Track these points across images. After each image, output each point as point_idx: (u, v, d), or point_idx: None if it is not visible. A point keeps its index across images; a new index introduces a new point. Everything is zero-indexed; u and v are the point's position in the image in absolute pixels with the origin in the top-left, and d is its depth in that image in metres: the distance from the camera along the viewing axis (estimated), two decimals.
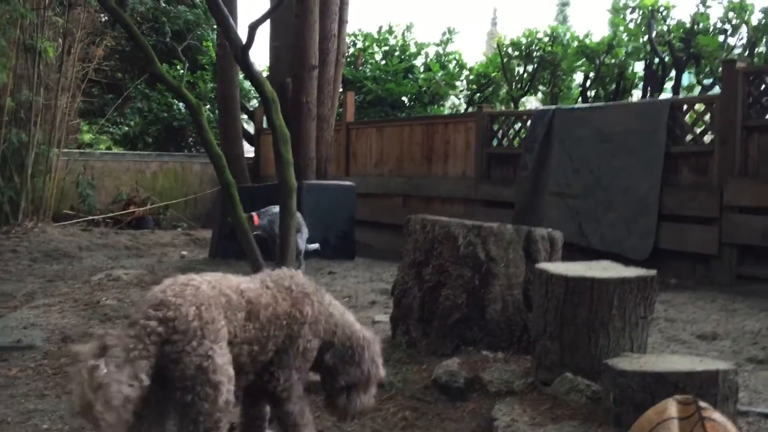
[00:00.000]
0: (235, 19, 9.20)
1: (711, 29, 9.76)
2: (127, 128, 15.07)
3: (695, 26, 9.79)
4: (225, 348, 2.26)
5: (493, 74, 12.88)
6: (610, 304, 2.94)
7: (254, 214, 6.61)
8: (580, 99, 11.26)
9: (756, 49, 9.40)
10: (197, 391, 2.15)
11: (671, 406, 2.30)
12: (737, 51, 9.58)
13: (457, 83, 14.00)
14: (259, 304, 2.45)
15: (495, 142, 9.05)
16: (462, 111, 13.60)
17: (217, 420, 2.20)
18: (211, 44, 14.53)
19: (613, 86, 10.81)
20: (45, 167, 10.34)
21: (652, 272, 3.03)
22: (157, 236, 10.43)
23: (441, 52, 14.62)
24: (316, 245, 7.20)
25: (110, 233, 10.36)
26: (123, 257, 8.48)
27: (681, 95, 9.61)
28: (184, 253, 8.96)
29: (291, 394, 2.54)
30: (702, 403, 2.27)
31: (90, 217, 11.37)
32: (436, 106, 14.09)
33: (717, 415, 2.26)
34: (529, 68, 11.97)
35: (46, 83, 10.30)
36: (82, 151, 12.52)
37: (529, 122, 8.44)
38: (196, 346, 2.16)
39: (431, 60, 14.38)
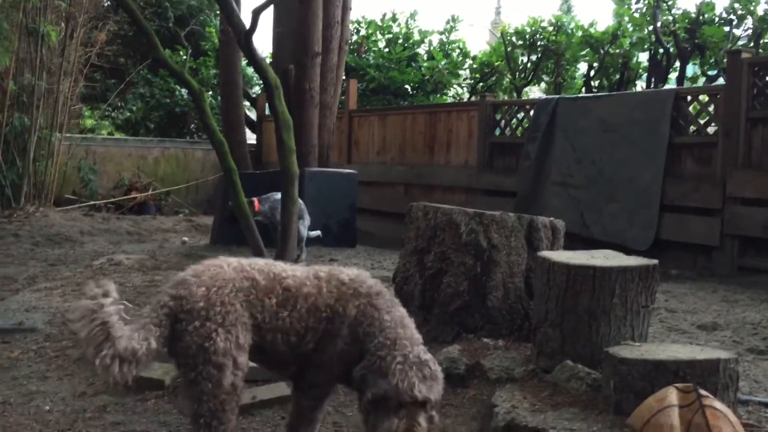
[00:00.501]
0: (238, 4, 9.13)
1: (716, 20, 9.72)
2: (129, 114, 15.04)
3: (701, 17, 9.74)
4: (236, 331, 2.23)
5: (496, 63, 12.85)
6: (611, 293, 2.94)
7: (255, 199, 6.58)
8: (583, 89, 11.23)
9: (761, 40, 9.36)
10: (200, 370, 2.18)
11: (672, 394, 2.30)
12: (742, 42, 9.53)
13: (461, 72, 13.96)
14: (298, 293, 2.35)
15: (498, 132, 9.03)
16: (465, 100, 13.55)
17: (223, 401, 2.20)
18: (214, 30, 14.47)
19: (617, 76, 10.78)
20: (47, 152, 10.34)
21: (654, 261, 3.03)
22: (159, 222, 10.45)
23: (444, 40, 14.55)
24: (317, 232, 7.19)
25: (112, 218, 10.38)
26: (124, 242, 8.48)
27: (685, 86, 9.58)
28: (185, 239, 8.96)
29: (310, 391, 2.47)
30: (702, 391, 2.28)
31: (92, 202, 11.39)
32: (439, 95, 14.05)
33: (717, 404, 2.27)
34: (533, 57, 11.94)
35: (48, 67, 10.28)
36: (84, 136, 12.51)
37: (532, 112, 8.41)
38: (198, 327, 2.19)
39: (434, 48, 14.32)
